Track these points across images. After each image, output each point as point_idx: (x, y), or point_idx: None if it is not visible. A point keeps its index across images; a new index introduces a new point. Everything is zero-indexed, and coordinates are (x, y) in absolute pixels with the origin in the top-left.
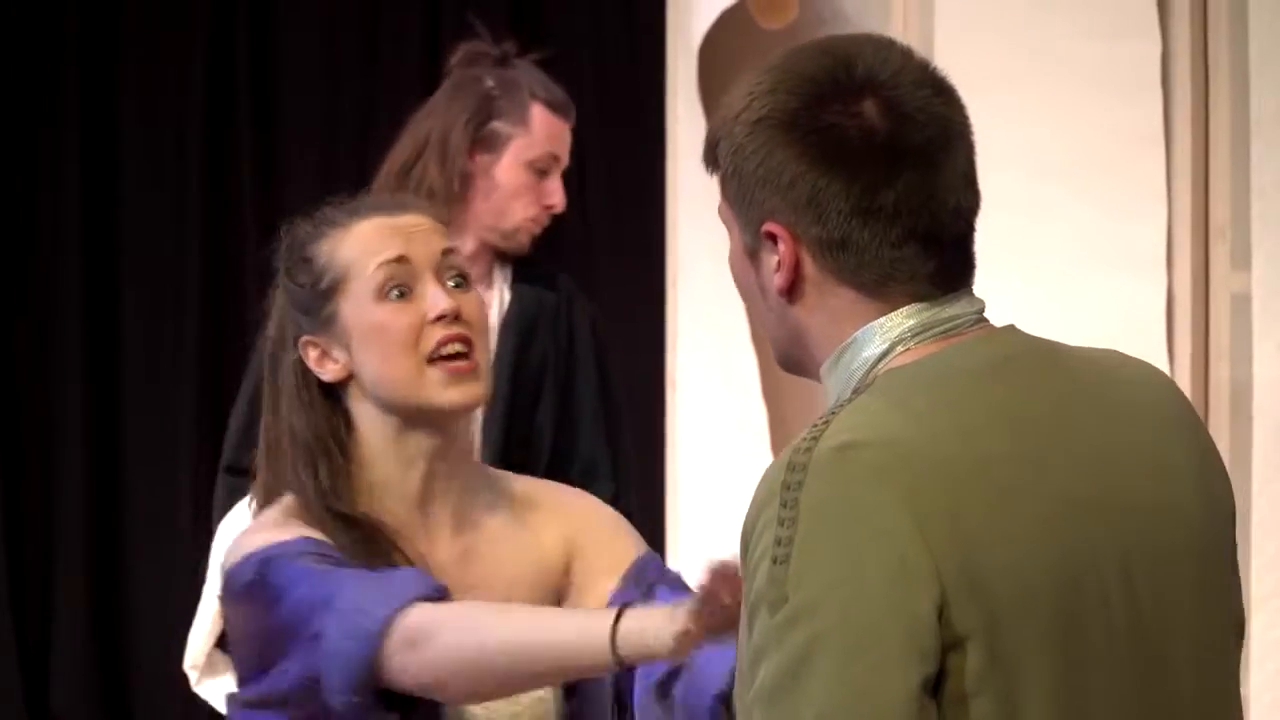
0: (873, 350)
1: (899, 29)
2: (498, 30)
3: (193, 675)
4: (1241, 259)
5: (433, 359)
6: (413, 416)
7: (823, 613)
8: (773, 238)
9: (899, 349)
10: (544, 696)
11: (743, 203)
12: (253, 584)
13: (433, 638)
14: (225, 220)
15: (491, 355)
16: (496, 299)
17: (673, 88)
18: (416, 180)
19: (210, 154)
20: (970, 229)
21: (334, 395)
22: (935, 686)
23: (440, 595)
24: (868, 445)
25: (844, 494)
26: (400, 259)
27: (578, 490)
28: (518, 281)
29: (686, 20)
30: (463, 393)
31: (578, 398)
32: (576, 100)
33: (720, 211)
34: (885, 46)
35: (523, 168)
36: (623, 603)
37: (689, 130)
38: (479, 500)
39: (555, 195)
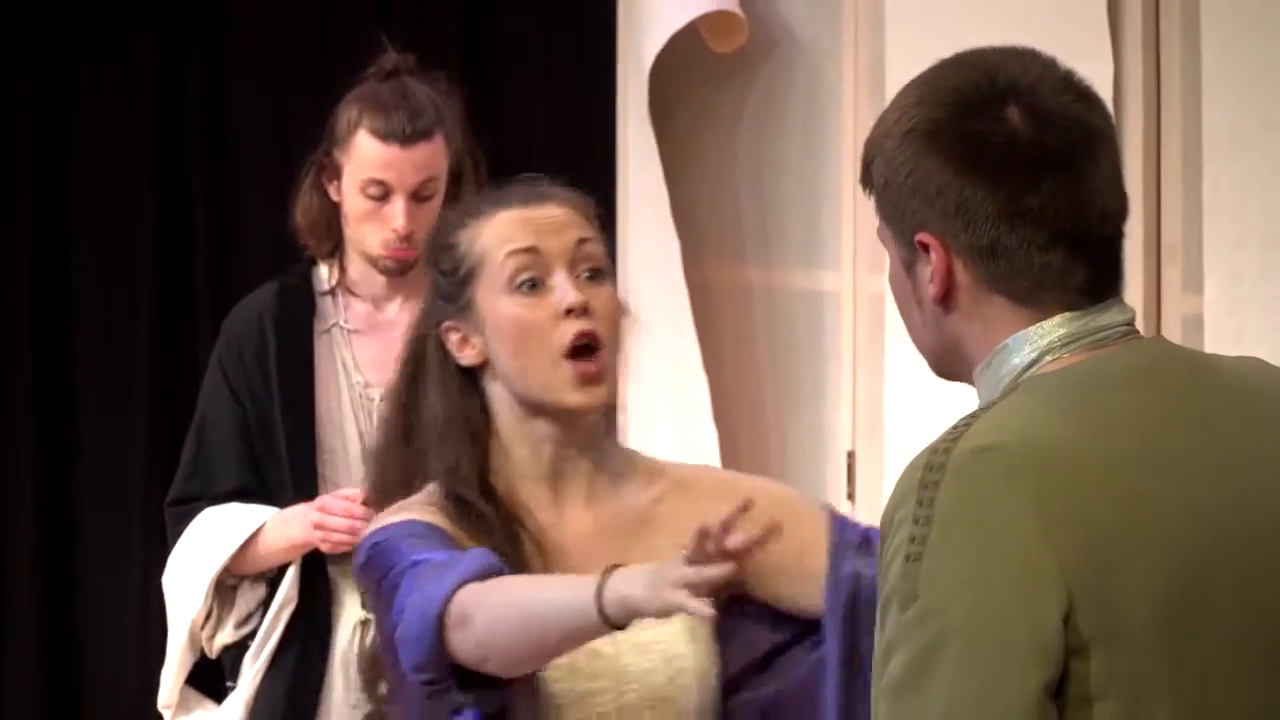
0: (1022, 358)
1: (850, 49)
2: (448, 53)
3: (166, 715)
4: (1193, 281)
5: (567, 354)
6: (536, 408)
7: (951, 612)
8: (925, 248)
9: (1048, 358)
10: (682, 652)
11: (896, 215)
12: (364, 566)
13: (473, 615)
14: (178, 245)
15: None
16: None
17: (624, 110)
18: (303, 209)
19: (163, 182)
20: (1119, 234)
21: (473, 377)
22: (1058, 689)
23: (495, 571)
24: (1002, 448)
25: (976, 496)
26: (530, 249)
27: (752, 476)
28: None
29: (638, 42)
30: (589, 396)
31: None
32: (527, 123)
33: (879, 233)
34: (1028, 57)
35: (357, 194)
36: (614, 565)
37: (640, 151)
38: (618, 477)
39: (396, 219)
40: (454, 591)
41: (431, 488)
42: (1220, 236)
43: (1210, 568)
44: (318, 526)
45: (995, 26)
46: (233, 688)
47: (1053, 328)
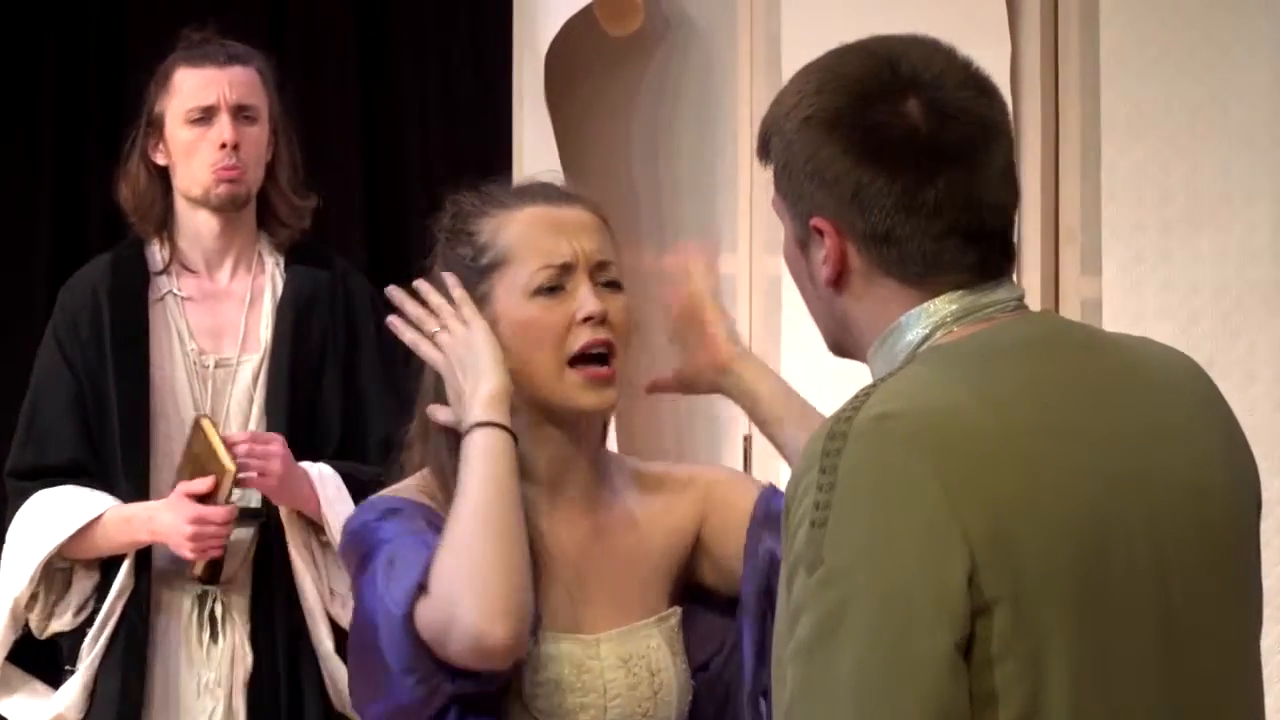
0: (916, 334)
1: (745, 31)
2: (344, 40)
3: None
4: (1092, 263)
5: (574, 360)
6: (543, 409)
7: (856, 574)
8: (819, 232)
9: (940, 332)
10: (664, 667)
11: (793, 196)
12: (342, 552)
13: (428, 584)
14: (17, 229)
15: (269, 339)
16: (269, 281)
17: (519, 92)
18: (129, 183)
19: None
20: (1010, 222)
21: None
22: (966, 650)
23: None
24: (902, 415)
25: (879, 461)
26: (566, 266)
27: (710, 465)
28: (292, 264)
29: (533, 25)
30: (598, 398)
31: (361, 378)
32: (422, 105)
33: (774, 203)
34: (930, 47)
35: (181, 126)
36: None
37: (535, 134)
38: (610, 483)
39: (223, 133)
40: (415, 589)
41: (425, 473)
42: (1119, 219)
43: (1109, 534)
44: (194, 539)
45: (892, 8)
46: (71, 671)
47: (945, 303)
